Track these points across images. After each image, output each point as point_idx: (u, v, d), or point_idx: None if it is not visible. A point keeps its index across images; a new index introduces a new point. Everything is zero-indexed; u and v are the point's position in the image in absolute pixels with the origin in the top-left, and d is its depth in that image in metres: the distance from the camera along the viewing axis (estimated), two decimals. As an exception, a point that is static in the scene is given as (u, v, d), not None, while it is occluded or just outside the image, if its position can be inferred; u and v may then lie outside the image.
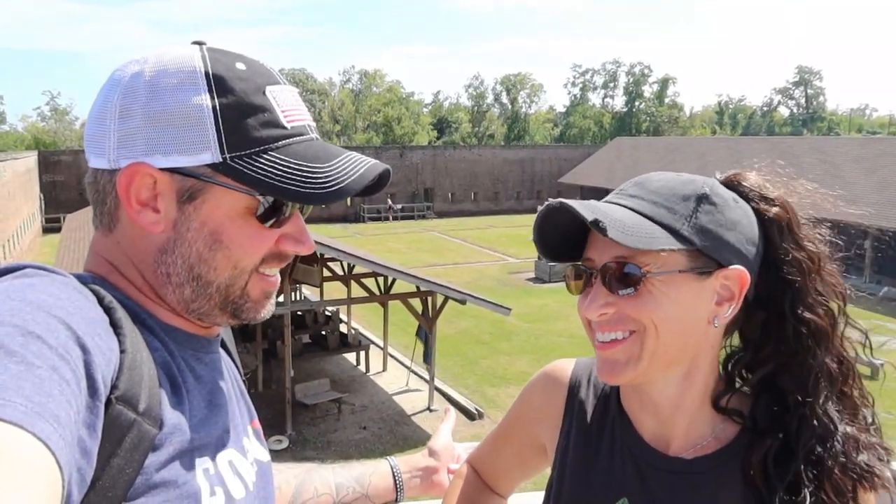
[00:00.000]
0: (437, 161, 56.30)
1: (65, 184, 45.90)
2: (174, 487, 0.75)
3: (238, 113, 0.82)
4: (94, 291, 0.78)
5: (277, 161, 0.83)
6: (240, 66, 0.85)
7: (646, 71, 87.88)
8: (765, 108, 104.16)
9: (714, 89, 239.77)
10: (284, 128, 0.85)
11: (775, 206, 0.97)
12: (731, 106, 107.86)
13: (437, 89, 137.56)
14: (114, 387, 0.69)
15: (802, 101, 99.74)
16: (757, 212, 0.97)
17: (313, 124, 0.92)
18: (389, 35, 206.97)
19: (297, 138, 0.86)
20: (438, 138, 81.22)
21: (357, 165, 0.86)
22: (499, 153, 59.92)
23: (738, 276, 0.92)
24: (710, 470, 0.96)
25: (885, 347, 18.01)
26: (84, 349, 0.66)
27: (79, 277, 0.81)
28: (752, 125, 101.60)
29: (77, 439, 0.61)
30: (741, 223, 0.94)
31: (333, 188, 0.83)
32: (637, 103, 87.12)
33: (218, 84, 0.82)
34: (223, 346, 1.04)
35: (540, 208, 0.96)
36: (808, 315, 0.93)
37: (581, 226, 0.94)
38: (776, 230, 0.96)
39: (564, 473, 1.10)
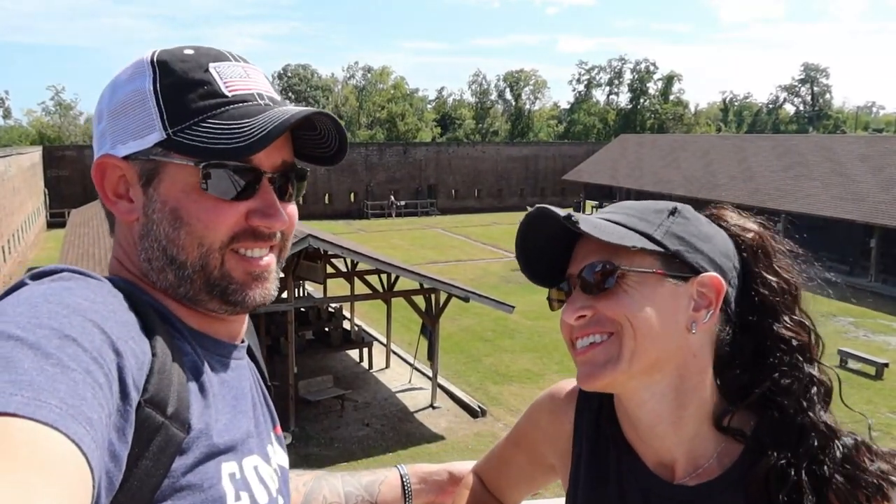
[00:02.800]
0: (440, 158, 56.30)
1: (69, 179, 45.99)
2: (200, 491, 0.75)
3: (178, 90, 0.85)
4: (126, 295, 0.79)
5: (212, 126, 0.83)
6: (187, 51, 0.89)
7: (651, 68, 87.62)
8: (770, 106, 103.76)
9: (719, 86, 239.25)
10: (224, 96, 0.85)
11: (750, 232, 1.02)
12: (736, 103, 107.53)
13: (441, 85, 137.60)
14: (144, 390, 0.70)
15: (808, 98, 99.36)
16: (734, 238, 1.01)
17: (270, 94, 0.91)
18: (394, 31, 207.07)
19: (238, 105, 0.85)
20: (442, 135, 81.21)
21: (284, 113, 0.84)
22: (502, 150, 59.91)
23: (713, 283, 0.94)
24: (715, 496, 0.96)
25: (892, 348, 17.96)
26: (118, 353, 0.67)
27: (112, 281, 0.83)
28: (757, 123, 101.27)
29: (108, 443, 0.62)
30: (715, 238, 0.98)
31: (257, 136, 0.81)
32: (642, 100, 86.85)
33: (161, 68, 0.86)
34: (250, 354, 1.05)
35: (520, 221, 0.98)
36: (787, 333, 0.97)
37: (562, 247, 0.99)
38: (752, 254, 1.00)
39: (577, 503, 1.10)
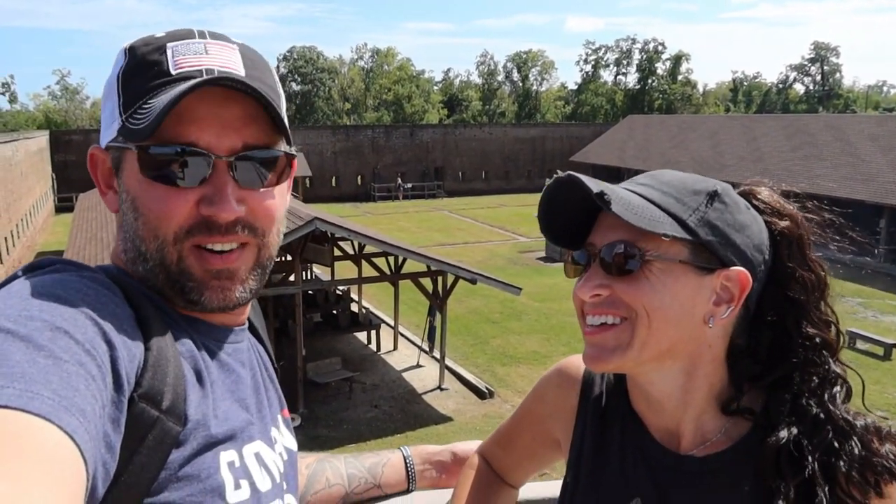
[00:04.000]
0: (447, 139, 56.04)
1: (76, 163, 46.02)
2: (197, 482, 0.75)
3: (133, 74, 0.83)
4: (121, 286, 0.78)
5: (146, 108, 0.78)
6: (159, 34, 0.86)
7: (659, 48, 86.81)
8: (780, 86, 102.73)
9: (728, 66, 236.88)
10: (169, 75, 0.80)
11: (786, 220, 0.96)
12: (745, 83, 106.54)
13: (448, 67, 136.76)
14: (137, 384, 0.70)
15: (818, 77, 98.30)
16: (768, 224, 0.96)
17: (226, 68, 0.82)
18: (402, 11, 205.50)
19: (182, 83, 0.78)
20: (449, 116, 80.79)
21: (185, 85, 0.77)
22: (510, 131, 59.56)
23: (739, 278, 0.90)
24: (722, 468, 0.94)
25: (898, 327, 17.92)
26: (110, 345, 0.67)
27: (106, 270, 0.82)
28: (766, 103, 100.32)
29: (102, 434, 0.62)
30: (750, 228, 0.93)
31: (154, 114, 0.75)
32: (650, 81, 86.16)
33: (130, 53, 0.84)
34: (255, 333, 1.03)
35: (548, 181, 0.94)
36: (812, 331, 0.93)
37: (586, 210, 0.94)
38: (785, 245, 0.95)
39: (579, 475, 1.09)
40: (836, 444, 0.88)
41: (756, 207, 0.97)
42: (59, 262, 0.77)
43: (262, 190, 0.85)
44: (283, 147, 0.87)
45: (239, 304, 0.86)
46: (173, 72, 0.80)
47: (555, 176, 0.92)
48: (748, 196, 0.99)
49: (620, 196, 0.87)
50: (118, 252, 0.88)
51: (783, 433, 0.90)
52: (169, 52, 0.82)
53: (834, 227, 1.00)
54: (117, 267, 0.87)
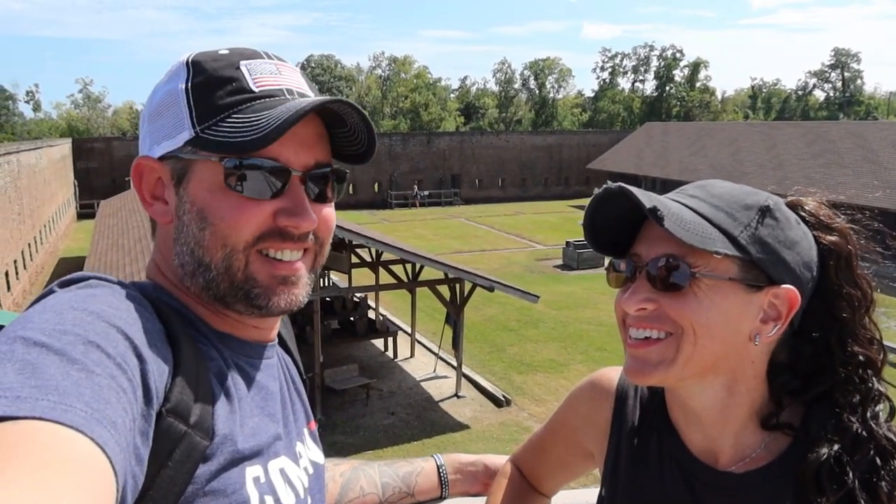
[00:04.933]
0: (464, 147, 56.10)
1: (98, 170, 46.70)
2: (223, 497, 0.76)
3: (207, 88, 0.84)
4: (152, 302, 0.80)
5: (236, 122, 0.82)
6: (222, 51, 0.88)
7: (677, 55, 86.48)
8: (800, 92, 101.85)
9: (747, 73, 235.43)
10: (252, 92, 0.84)
11: (835, 235, 0.94)
12: (764, 90, 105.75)
13: (465, 74, 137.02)
14: (166, 399, 0.71)
15: (839, 84, 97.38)
16: (816, 239, 0.93)
17: (301, 89, 0.89)
18: (418, 20, 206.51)
19: (265, 100, 0.84)
20: (465, 124, 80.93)
21: (300, 104, 0.82)
22: (526, 139, 59.51)
23: (788, 296, 0.88)
24: (761, 485, 0.92)
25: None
26: (141, 359, 0.68)
27: (140, 286, 0.83)
28: (786, 109, 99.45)
29: (133, 446, 0.63)
30: (800, 245, 0.91)
31: (269, 129, 0.79)
32: (668, 88, 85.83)
33: (195, 67, 0.86)
34: (284, 345, 1.04)
35: (597, 191, 0.93)
36: (857, 349, 0.91)
37: (632, 219, 0.93)
38: (833, 261, 0.92)
39: (616, 489, 1.08)
40: (878, 462, 0.86)
41: (803, 220, 0.95)
42: (93, 277, 0.79)
43: (325, 203, 0.91)
44: (336, 165, 0.93)
45: (300, 306, 0.90)
46: (255, 89, 0.84)
47: (605, 186, 0.91)
48: (795, 208, 0.96)
49: (672, 211, 0.86)
50: (162, 266, 0.89)
51: (824, 449, 0.88)
52: (244, 70, 0.86)
53: (879, 241, 0.99)
54: (154, 283, 0.88)
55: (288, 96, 0.85)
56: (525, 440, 1.37)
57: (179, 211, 0.85)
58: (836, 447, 0.88)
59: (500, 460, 1.44)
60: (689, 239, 0.83)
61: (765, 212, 0.90)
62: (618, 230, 0.96)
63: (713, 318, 0.87)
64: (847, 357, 0.91)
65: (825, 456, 0.87)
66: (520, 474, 1.35)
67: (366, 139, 0.91)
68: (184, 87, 0.85)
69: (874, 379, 0.91)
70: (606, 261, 1.01)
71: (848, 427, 0.89)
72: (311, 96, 0.88)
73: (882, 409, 0.91)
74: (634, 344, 0.92)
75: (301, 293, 0.89)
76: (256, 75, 0.86)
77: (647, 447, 1.05)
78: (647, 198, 0.85)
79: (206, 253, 0.84)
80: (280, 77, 0.87)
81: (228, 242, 0.83)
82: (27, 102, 75.76)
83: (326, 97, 0.84)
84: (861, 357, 0.91)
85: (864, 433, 0.88)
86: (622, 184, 0.89)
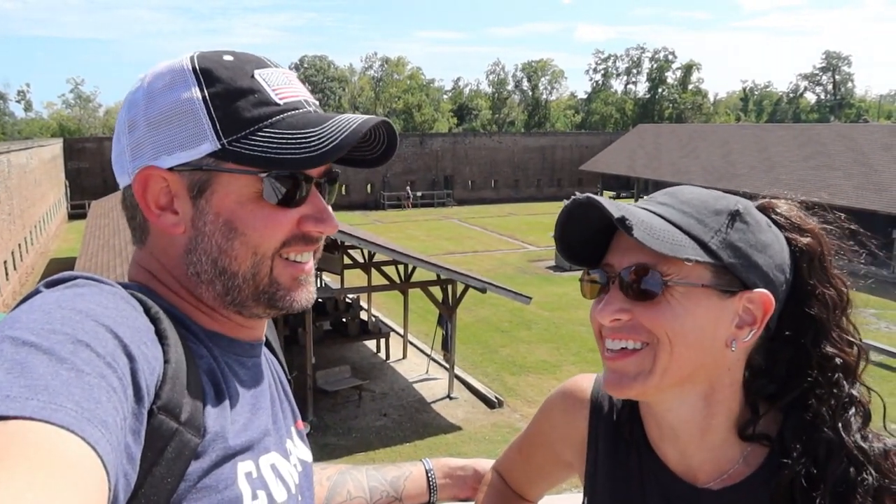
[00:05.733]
0: (456, 148, 56.13)
1: (89, 170, 46.43)
2: (216, 493, 0.76)
3: (228, 98, 0.84)
4: (140, 301, 0.79)
5: (272, 136, 0.83)
6: (227, 58, 0.88)
7: (670, 57, 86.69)
8: (791, 95, 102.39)
9: (739, 75, 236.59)
10: (277, 104, 0.86)
11: (807, 236, 0.93)
12: (756, 92, 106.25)
13: (458, 76, 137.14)
14: (156, 396, 0.71)
15: (830, 87, 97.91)
16: (788, 241, 0.93)
17: (312, 100, 0.92)
18: (412, 21, 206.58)
19: (292, 112, 0.86)
20: (458, 125, 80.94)
21: (349, 122, 0.85)
22: (519, 140, 59.56)
23: (762, 300, 0.88)
24: (740, 500, 0.92)
25: (911, 338, 17.71)
26: (130, 357, 0.68)
27: (125, 286, 0.83)
28: (777, 112, 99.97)
29: (124, 445, 0.63)
30: (772, 247, 0.90)
31: (328, 147, 0.82)
32: (660, 90, 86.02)
33: (205, 76, 0.85)
34: (269, 346, 1.05)
35: (565, 202, 0.92)
36: (831, 350, 0.90)
37: (604, 229, 0.93)
38: (806, 262, 0.92)
39: None
40: (850, 474, 0.86)
41: (775, 222, 0.95)
42: (80, 276, 0.78)
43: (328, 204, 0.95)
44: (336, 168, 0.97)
45: (314, 302, 0.95)
46: (279, 101, 0.86)
47: (573, 197, 0.91)
48: (767, 210, 0.96)
49: (641, 220, 0.86)
50: (159, 273, 0.89)
51: (797, 464, 0.88)
52: (259, 80, 0.86)
53: (854, 239, 0.98)
54: (140, 285, 0.88)
55: (307, 107, 0.88)
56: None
57: (198, 222, 0.85)
58: (809, 460, 0.88)
59: (489, 465, 1.43)
60: (658, 247, 0.83)
61: (735, 216, 0.89)
62: (591, 240, 0.95)
63: (688, 326, 0.87)
64: (822, 359, 0.90)
65: (798, 469, 0.87)
66: (503, 482, 1.35)
67: (385, 143, 0.94)
68: (199, 96, 0.83)
69: (846, 383, 0.90)
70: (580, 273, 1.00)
71: (820, 438, 0.88)
72: (316, 103, 0.92)
73: (853, 415, 0.90)
74: (612, 356, 0.92)
75: (314, 290, 0.94)
76: (275, 86, 0.87)
77: (626, 464, 1.04)
78: (615, 208, 0.85)
79: (234, 262, 0.86)
80: (294, 87, 0.90)
81: (259, 251, 0.86)
82: (18, 102, 75.35)
83: (374, 117, 0.87)
84: (837, 360, 0.90)
85: (835, 443, 0.87)
86: (590, 194, 0.89)
